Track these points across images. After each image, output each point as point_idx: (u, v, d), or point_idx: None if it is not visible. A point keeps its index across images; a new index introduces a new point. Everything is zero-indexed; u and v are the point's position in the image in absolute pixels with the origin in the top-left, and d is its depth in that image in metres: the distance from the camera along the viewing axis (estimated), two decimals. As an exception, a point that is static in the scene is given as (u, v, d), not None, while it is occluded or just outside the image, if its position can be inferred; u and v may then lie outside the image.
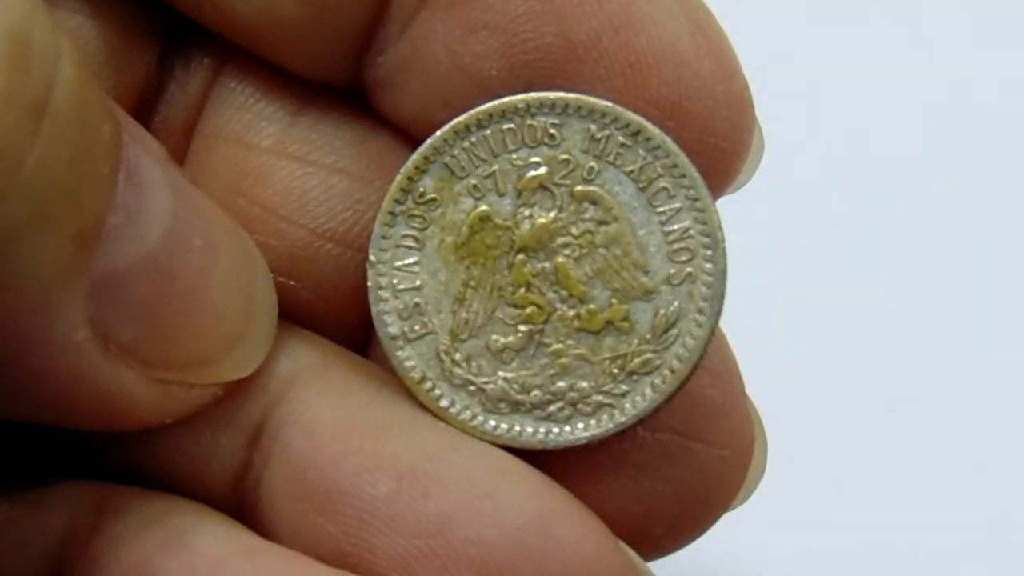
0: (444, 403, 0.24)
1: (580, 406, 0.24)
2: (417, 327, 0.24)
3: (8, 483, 0.24)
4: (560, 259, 0.24)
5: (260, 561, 0.22)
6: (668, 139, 0.23)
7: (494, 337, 0.24)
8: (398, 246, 0.24)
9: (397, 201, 0.24)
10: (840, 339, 0.43)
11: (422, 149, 0.24)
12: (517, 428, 0.24)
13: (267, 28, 0.24)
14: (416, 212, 0.24)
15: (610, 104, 0.23)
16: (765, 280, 0.35)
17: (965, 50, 0.47)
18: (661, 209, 0.24)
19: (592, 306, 0.24)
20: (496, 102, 0.24)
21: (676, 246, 0.24)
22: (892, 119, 0.46)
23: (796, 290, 0.43)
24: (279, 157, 0.25)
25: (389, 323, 0.24)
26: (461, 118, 0.24)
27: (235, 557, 0.22)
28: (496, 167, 0.24)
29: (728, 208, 0.24)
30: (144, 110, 0.26)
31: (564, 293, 0.24)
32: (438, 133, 0.24)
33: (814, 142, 0.45)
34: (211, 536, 0.23)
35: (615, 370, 0.24)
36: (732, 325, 0.24)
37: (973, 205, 0.45)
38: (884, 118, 0.46)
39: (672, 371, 0.24)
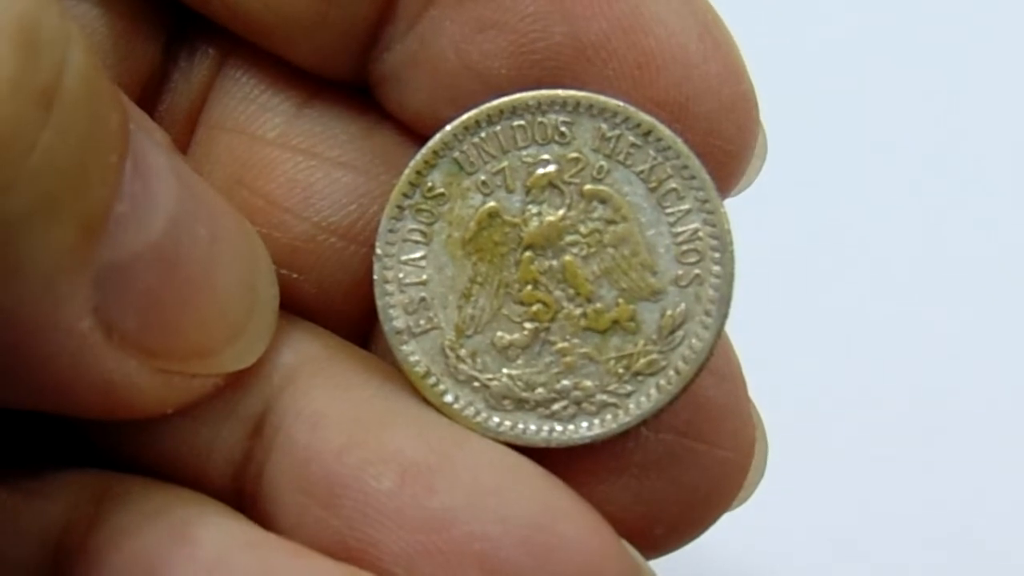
0: (448, 399, 0.24)
1: (584, 405, 0.24)
2: (422, 322, 0.24)
3: (8, 471, 0.24)
4: (568, 257, 0.24)
5: (263, 553, 0.22)
6: (679, 140, 0.23)
7: (500, 334, 0.24)
8: (405, 240, 0.24)
9: (405, 195, 0.24)
10: (841, 342, 0.43)
11: (431, 143, 0.24)
12: (521, 426, 0.24)
13: (273, 23, 0.24)
14: (424, 206, 0.24)
15: (621, 104, 0.23)
16: (767, 283, 0.35)
17: (969, 50, 0.48)
18: (670, 210, 0.24)
19: (599, 305, 0.24)
20: (507, 98, 0.24)
21: (685, 247, 0.24)
22: (898, 121, 0.47)
23: (798, 293, 0.43)
24: (283, 149, 0.25)
25: (394, 317, 0.24)
26: (472, 113, 0.24)
27: (237, 549, 0.22)
28: (506, 163, 0.24)
29: (736, 211, 0.24)
30: (148, 99, 0.26)
31: (571, 291, 0.24)
32: (448, 128, 0.24)
33: (822, 146, 0.46)
34: (213, 528, 0.22)
35: (620, 370, 0.24)
36: (734, 326, 0.24)
37: (983, 208, 0.46)
38: (890, 120, 0.47)
39: (677, 372, 0.24)
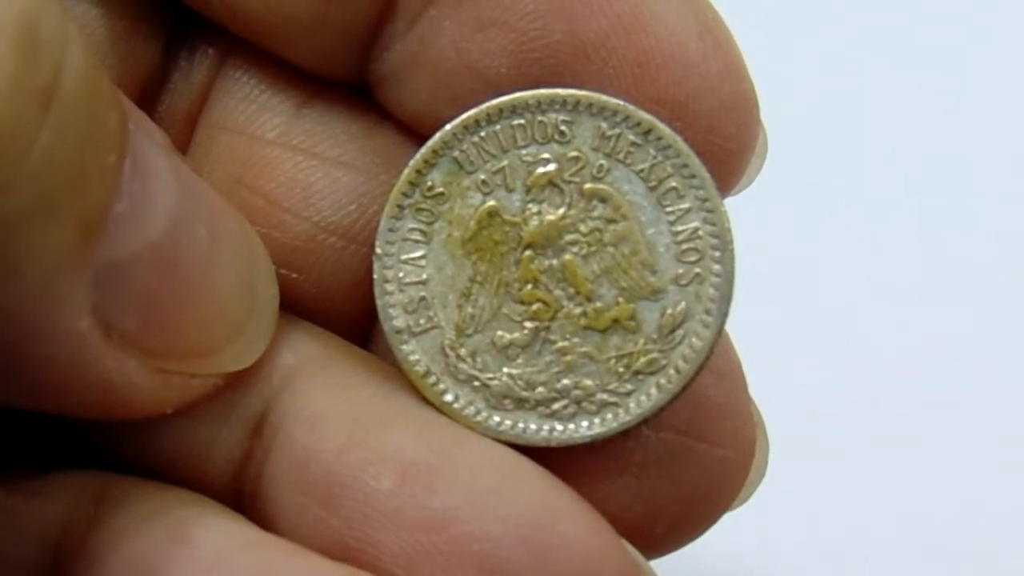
0: (448, 398, 0.24)
1: (585, 404, 0.24)
2: (422, 321, 0.24)
3: (8, 472, 0.24)
4: (568, 256, 0.24)
5: (261, 554, 0.22)
6: (679, 139, 0.23)
7: (500, 333, 0.24)
8: (405, 239, 0.24)
9: (405, 194, 0.24)
10: (842, 341, 0.43)
11: (431, 143, 0.24)
12: (521, 425, 0.24)
13: (274, 22, 0.24)
14: (424, 206, 0.24)
15: (621, 103, 0.23)
16: (767, 282, 0.35)
17: (970, 50, 0.48)
18: (670, 209, 0.24)
19: (599, 304, 0.24)
20: (507, 97, 0.24)
21: (685, 246, 0.24)
22: (898, 120, 0.47)
23: (798, 292, 0.43)
24: (283, 149, 0.25)
25: (394, 316, 0.24)
26: (471, 112, 0.24)
27: (236, 550, 0.22)
28: (505, 163, 0.24)
29: (736, 210, 0.24)
30: (148, 99, 0.26)
31: (571, 291, 0.24)
32: (448, 127, 0.24)
33: (822, 145, 0.45)
34: (212, 529, 0.22)
35: (620, 369, 0.24)
36: (734, 325, 0.24)
37: (983, 207, 0.45)
38: (890, 119, 0.47)
39: (677, 371, 0.24)
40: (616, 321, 0.24)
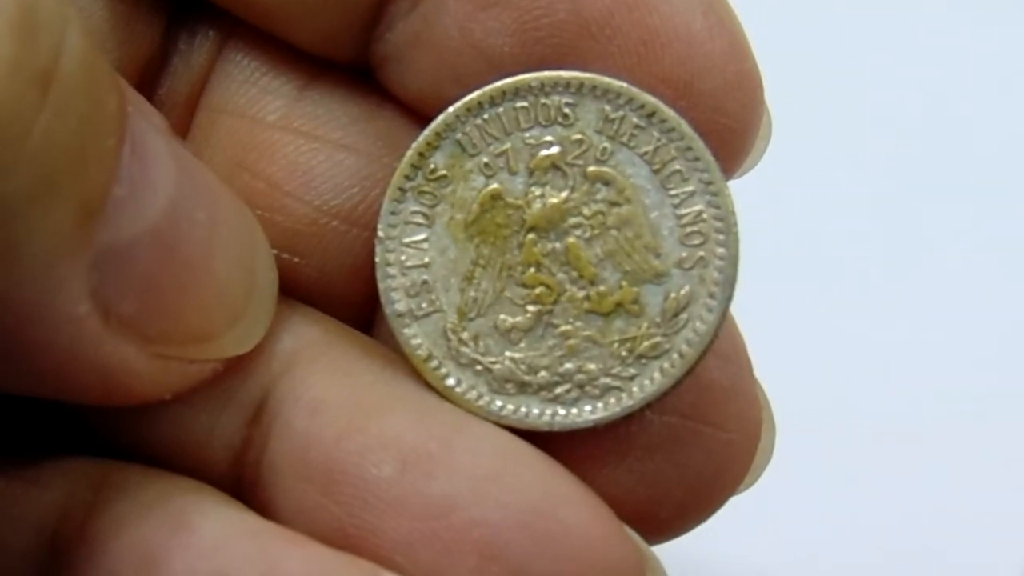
0: (450, 382, 0.24)
1: (588, 388, 0.24)
2: (424, 305, 0.24)
3: (5, 459, 0.24)
4: (571, 240, 0.24)
5: (261, 541, 0.22)
6: (683, 122, 0.23)
7: (502, 317, 0.24)
8: (407, 222, 0.24)
9: (407, 177, 0.24)
10: (849, 325, 0.43)
11: (434, 125, 0.24)
12: (523, 409, 0.24)
13: (275, 4, 0.24)
14: (426, 188, 0.24)
15: (625, 85, 0.23)
16: (771, 265, 0.35)
17: (970, 38, 0.47)
18: (674, 192, 0.24)
19: (602, 288, 0.24)
20: (510, 80, 0.24)
21: (689, 229, 0.23)
22: (902, 103, 0.46)
23: (802, 275, 0.43)
24: (285, 132, 0.25)
25: (396, 300, 0.24)
26: (474, 95, 0.24)
27: (236, 537, 0.22)
28: (508, 145, 0.24)
29: (740, 193, 0.24)
30: (147, 83, 0.26)
31: (574, 274, 0.24)
32: (450, 109, 0.24)
33: (826, 128, 0.45)
34: (212, 516, 0.22)
35: (624, 353, 0.24)
36: (740, 308, 0.24)
37: (986, 192, 0.45)
38: (894, 102, 0.46)
39: (681, 355, 0.23)
40: (619, 305, 0.24)
